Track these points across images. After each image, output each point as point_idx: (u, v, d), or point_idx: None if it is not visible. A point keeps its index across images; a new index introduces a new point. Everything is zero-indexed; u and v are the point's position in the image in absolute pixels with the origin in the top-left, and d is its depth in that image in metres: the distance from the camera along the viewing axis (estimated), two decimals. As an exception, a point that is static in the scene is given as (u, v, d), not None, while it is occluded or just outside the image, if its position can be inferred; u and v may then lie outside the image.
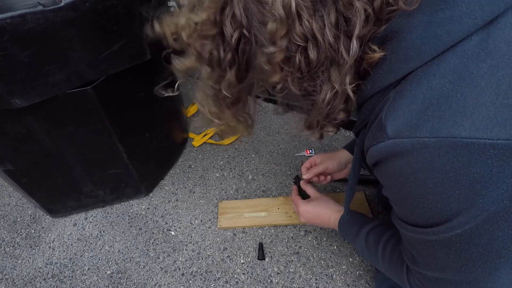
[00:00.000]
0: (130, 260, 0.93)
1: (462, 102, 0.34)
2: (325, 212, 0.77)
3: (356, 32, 0.36)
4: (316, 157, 0.88)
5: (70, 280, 0.90)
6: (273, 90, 0.43)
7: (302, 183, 0.88)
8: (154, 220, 1.02)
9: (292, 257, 0.90)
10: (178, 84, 0.52)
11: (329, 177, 0.88)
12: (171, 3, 0.70)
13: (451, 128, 0.33)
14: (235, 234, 0.96)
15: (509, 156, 0.32)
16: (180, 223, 1.00)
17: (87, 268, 0.92)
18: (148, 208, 1.05)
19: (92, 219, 1.04)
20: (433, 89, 0.35)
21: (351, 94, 0.40)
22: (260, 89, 0.45)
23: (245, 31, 0.37)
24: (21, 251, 0.97)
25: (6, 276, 0.91)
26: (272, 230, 0.96)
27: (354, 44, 0.36)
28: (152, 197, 1.09)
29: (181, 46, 0.42)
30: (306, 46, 0.36)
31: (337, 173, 0.88)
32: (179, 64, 0.44)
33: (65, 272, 0.91)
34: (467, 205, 0.36)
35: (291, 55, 0.37)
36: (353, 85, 0.40)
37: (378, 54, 0.38)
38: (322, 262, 0.88)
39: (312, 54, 0.36)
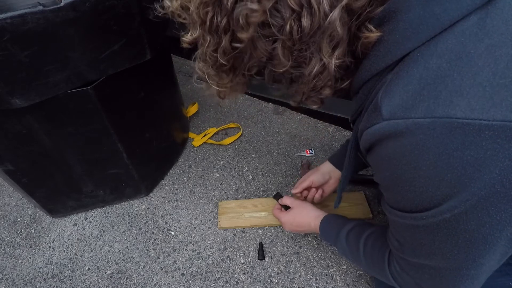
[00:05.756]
0: (130, 260, 0.93)
1: (458, 82, 0.33)
2: (304, 220, 0.80)
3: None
4: (304, 176, 0.90)
5: (70, 280, 0.90)
6: (264, 60, 0.43)
7: (280, 199, 0.89)
8: (154, 220, 1.02)
9: (292, 257, 0.90)
10: None
11: (320, 192, 0.89)
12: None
13: (446, 108, 0.33)
14: (235, 234, 0.96)
15: (503, 138, 0.31)
16: (180, 223, 1.00)
17: (87, 268, 0.92)
18: (148, 208, 1.05)
19: (92, 219, 1.04)
20: (430, 69, 0.34)
21: (332, 68, 0.39)
22: (253, 60, 0.44)
23: None
24: (21, 251, 0.97)
25: (6, 276, 0.91)
26: (272, 230, 0.96)
27: (344, 14, 0.36)
28: (152, 197, 1.09)
29: (186, 19, 0.42)
30: (301, 12, 0.35)
31: (326, 185, 0.89)
32: (185, 37, 0.43)
33: (65, 272, 0.91)
34: (458, 189, 0.35)
35: (284, 21, 0.36)
36: (340, 60, 0.39)
37: (374, 34, 0.37)
38: (322, 262, 0.88)
39: (306, 22, 0.35)
